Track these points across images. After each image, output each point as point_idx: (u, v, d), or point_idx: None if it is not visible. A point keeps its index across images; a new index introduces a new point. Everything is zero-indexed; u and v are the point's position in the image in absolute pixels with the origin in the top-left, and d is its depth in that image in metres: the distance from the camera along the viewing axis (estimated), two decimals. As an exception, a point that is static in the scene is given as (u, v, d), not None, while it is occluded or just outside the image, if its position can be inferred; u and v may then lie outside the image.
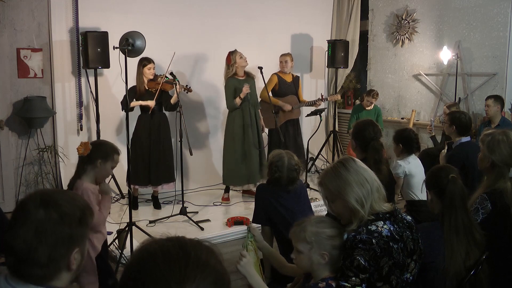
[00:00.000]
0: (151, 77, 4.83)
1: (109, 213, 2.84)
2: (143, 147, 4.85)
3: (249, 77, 5.28)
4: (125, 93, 4.70)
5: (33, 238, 1.19)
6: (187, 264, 0.83)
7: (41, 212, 1.20)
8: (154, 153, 4.91)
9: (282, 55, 5.84)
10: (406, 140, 3.69)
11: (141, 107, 4.85)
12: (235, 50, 5.18)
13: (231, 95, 5.14)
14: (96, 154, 2.63)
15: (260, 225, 3.03)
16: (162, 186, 5.03)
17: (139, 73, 4.80)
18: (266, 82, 5.31)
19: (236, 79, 5.18)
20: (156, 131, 4.91)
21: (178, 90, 4.72)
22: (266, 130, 5.64)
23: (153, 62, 4.84)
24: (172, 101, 4.85)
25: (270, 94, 5.62)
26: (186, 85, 4.92)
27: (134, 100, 4.73)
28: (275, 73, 5.78)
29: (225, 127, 5.36)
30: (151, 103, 4.79)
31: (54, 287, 1.25)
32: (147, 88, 4.81)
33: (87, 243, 2.62)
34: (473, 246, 2.04)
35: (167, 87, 4.84)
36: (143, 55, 4.57)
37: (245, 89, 5.04)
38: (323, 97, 5.78)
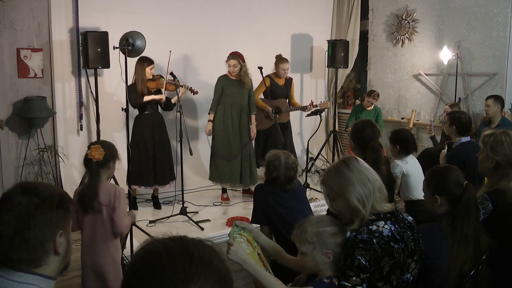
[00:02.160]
0: (151, 77, 4.85)
1: None
2: (147, 147, 4.88)
3: (240, 81, 5.23)
4: (129, 90, 4.78)
5: (17, 222, 1.25)
6: (191, 263, 0.83)
7: (23, 198, 1.28)
8: (159, 153, 4.96)
9: (284, 63, 5.65)
10: (403, 142, 3.68)
11: (145, 106, 4.87)
12: (231, 56, 5.16)
13: (216, 95, 5.24)
14: (108, 156, 2.64)
15: (259, 225, 3.05)
16: (170, 185, 5.08)
17: (142, 73, 4.79)
18: (264, 84, 5.34)
19: (226, 77, 5.24)
20: (158, 131, 4.97)
21: (182, 91, 4.82)
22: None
23: (154, 62, 4.86)
24: (173, 100, 4.95)
25: (262, 96, 5.71)
26: (191, 87, 4.91)
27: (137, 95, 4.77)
28: (268, 76, 5.69)
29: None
30: (163, 97, 4.87)
31: (43, 274, 1.28)
32: (149, 88, 4.84)
33: (112, 248, 2.61)
34: (477, 253, 2.05)
35: (170, 88, 4.87)
36: (142, 55, 4.58)
37: (206, 132, 5.25)
38: (313, 103, 5.72)
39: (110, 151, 2.66)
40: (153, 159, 4.91)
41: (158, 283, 0.81)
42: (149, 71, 4.82)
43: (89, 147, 2.64)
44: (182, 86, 4.85)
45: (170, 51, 4.63)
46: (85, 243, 2.69)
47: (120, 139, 5.38)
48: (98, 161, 2.59)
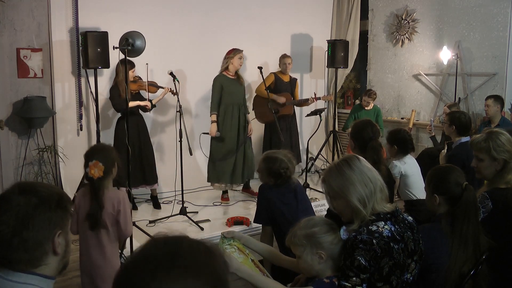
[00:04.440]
0: (132, 79, 4.85)
1: None
2: (135, 148, 4.85)
3: (238, 79, 5.26)
4: (112, 93, 4.80)
5: (16, 222, 1.24)
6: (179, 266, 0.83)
7: (21, 198, 1.27)
8: (149, 153, 5.03)
9: (286, 57, 5.81)
10: (401, 142, 3.67)
11: (132, 110, 4.84)
12: (241, 50, 5.20)
13: (216, 94, 5.16)
14: (109, 165, 2.60)
15: (260, 224, 3.05)
16: (157, 184, 5.13)
17: (125, 76, 4.62)
18: (264, 83, 5.34)
19: (225, 76, 5.20)
20: (144, 132, 5.01)
21: (163, 93, 4.93)
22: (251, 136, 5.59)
23: (135, 66, 4.86)
24: (154, 101, 5.02)
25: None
26: (171, 89, 4.89)
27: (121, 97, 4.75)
28: (273, 73, 5.80)
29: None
30: (147, 103, 4.90)
31: (42, 274, 1.28)
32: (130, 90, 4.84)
33: (112, 254, 2.58)
34: (477, 254, 2.06)
35: (151, 90, 4.93)
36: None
37: (213, 134, 5.11)
38: (316, 96, 5.79)
39: (108, 160, 2.61)
40: (140, 159, 4.94)
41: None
42: (131, 74, 4.80)
43: (86, 162, 2.57)
44: (163, 88, 4.94)
45: (147, 64, 4.63)
46: (84, 249, 2.69)
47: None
48: (100, 177, 2.57)
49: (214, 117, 5.13)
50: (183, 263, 0.83)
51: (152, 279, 0.80)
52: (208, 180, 5.39)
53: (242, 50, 5.21)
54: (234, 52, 5.17)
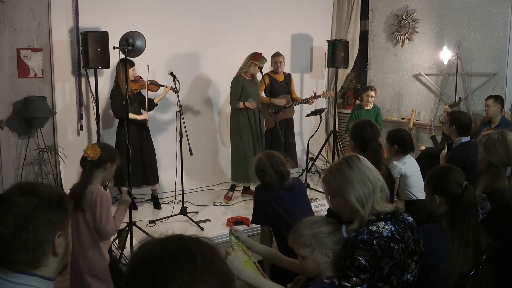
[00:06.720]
0: (132, 78, 4.83)
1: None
2: (136, 148, 4.85)
3: (253, 80, 5.35)
4: (113, 96, 4.78)
5: (16, 223, 1.24)
6: (196, 266, 0.82)
7: (21, 199, 1.26)
8: (150, 153, 5.03)
9: (276, 56, 5.70)
10: (401, 141, 3.66)
11: (129, 110, 4.81)
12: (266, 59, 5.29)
13: (237, 93, 5.21)
14: (105, 157, 2.61)
15: (259, 225, 3.06)
16: (158, 184, 5.12)
17: (125, 76, 4.58)
18: (264, 82, 5.35)
19: (244, 77, 5.24)
20: (145, 132, 5.00)
21: (165, 91, 4.92)
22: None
23: (135, 64, 4.83)
24: (156, 100, 5.02)
25: (263, 94, 5.62)
26: (172, 87, 4.88)
27: (123, 102, 4.71)
28: (266, 74, 5.68)
29: (231, 126, 5.39)
30: (146, 117, 4.90)
31: (42, 275, 1.28)
32: (132, 90, 4.82)
33: (97, 252, 2.56)
34: (477, 254, 2.06)
35: (152, 89, 4.92)
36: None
37: (251, 105, 5.18)
38: (316, 94, 5.78)
39: (107, 152, 2.63)
40: (141, 160, 4.92)
41: None
42: (131, 73, 4.77)
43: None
44: (164, 86, 4.93)
45: (148, 65, 4.63)
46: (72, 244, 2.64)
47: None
48: (93, 160, 2.56)
49: (241, 104, 5.17)
50: (202, 264, 0.83)
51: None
52: (239, 181, 5.43)
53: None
54: (260, 60, 5.20)
